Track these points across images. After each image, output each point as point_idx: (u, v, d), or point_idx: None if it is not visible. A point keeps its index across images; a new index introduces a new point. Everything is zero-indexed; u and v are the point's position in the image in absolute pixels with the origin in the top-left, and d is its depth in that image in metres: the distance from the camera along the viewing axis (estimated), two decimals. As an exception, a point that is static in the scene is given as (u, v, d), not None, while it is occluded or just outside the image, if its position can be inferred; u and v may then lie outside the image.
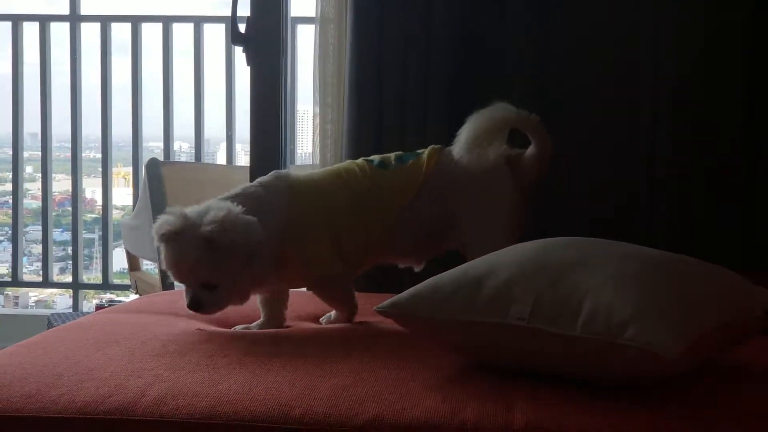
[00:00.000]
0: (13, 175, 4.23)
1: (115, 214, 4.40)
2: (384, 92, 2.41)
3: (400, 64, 2.41)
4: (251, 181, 2.82)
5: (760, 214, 2.33)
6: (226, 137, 4.15)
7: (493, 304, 1.43)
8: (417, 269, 2.02)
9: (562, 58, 2.39)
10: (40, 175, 4.25)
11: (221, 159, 4.35)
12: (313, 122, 2.62)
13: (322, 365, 1.50)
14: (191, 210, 1.70)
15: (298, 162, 3.40)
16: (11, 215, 4.27)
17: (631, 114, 2.36)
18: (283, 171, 1.93)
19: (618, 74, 2.37)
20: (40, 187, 4.23)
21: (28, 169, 4.54)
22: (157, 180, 2.91)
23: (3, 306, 4.85)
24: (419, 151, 1.99)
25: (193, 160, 4.15)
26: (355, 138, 2.41)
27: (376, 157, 1.98)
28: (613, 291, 1.37)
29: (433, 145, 1.99)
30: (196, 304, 1.69)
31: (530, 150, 1.98)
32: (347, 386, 1.38)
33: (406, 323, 1.55)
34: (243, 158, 4.10)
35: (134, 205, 4.15)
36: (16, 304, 4.88)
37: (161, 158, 3.77)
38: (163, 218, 1.68)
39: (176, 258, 1.67)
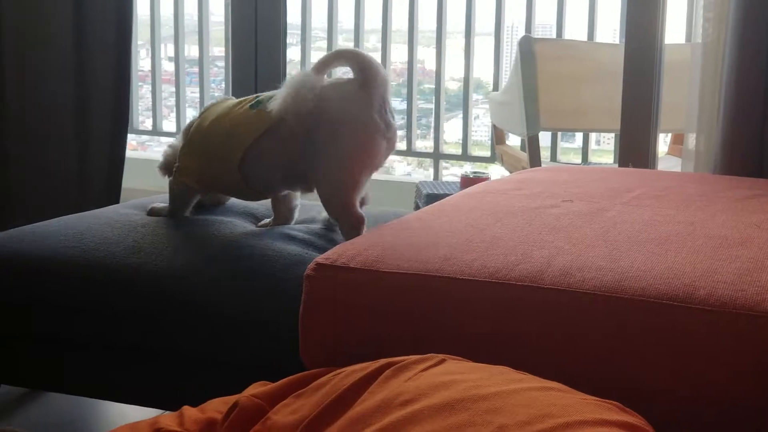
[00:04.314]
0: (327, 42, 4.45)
1: (452, 85, 4.54)
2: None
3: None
4: (625, 60, 2.80)
5: None
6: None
7: None
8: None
9: None
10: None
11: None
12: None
13: (719, 249, 1.50)
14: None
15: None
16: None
17: None
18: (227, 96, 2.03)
19: None
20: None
21: (340, 39, 4.72)
22: (530, 57, 2.94)
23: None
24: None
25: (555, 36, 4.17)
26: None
27: (264, 96, 1.90)
28: None
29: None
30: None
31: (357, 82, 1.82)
32: (750, 271, 1.38)
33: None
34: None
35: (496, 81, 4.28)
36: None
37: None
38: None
39: None
